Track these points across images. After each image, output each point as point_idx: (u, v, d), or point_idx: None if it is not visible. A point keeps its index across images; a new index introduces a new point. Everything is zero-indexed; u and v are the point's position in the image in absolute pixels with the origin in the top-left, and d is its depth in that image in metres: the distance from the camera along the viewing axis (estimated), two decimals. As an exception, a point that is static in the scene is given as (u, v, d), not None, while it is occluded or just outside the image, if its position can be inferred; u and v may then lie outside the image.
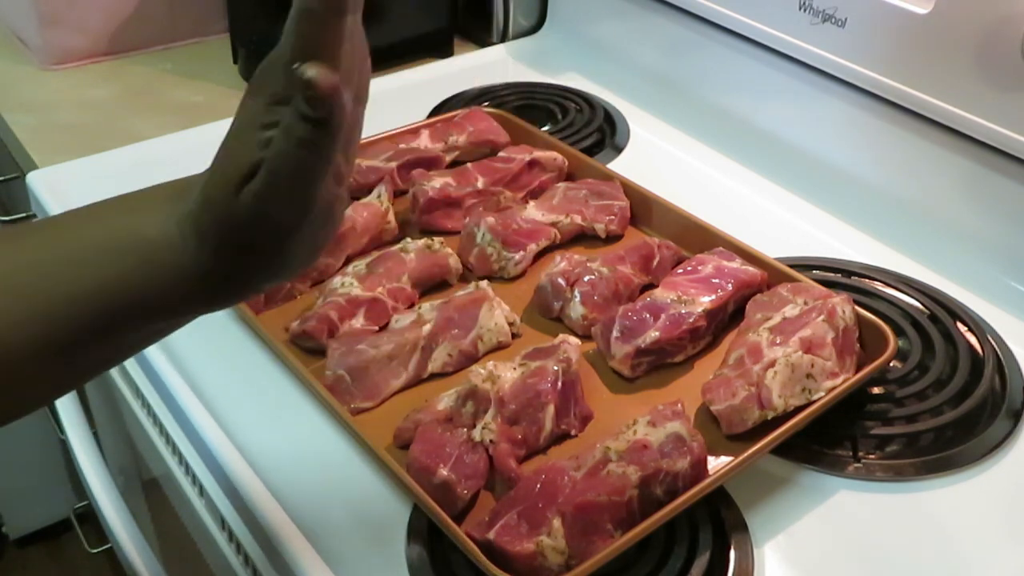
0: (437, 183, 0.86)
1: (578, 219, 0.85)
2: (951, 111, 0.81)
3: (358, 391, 0.69)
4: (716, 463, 0.64)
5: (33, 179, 0.94)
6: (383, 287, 0.75)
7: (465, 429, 0.64)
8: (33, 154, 1.02)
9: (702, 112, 1.04)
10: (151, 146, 1.01)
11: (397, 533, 0.60)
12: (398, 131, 0.94)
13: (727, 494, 0.63)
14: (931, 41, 0.81)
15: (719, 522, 0.61)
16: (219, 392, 0.71)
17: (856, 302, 0.73)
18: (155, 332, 0.51)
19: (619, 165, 0.98)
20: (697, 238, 0.82)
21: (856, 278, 0.82)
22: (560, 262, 0.78)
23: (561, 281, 0.76)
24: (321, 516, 0.62)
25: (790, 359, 0.65)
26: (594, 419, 0.68)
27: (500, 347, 0.74)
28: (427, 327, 0.72)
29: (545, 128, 1.02)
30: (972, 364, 0.73)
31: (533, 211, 0.85)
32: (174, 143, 1.01)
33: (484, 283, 0.76)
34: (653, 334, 0.70)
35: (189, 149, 0.99)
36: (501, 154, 0.93)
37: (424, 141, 0.94)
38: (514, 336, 0.75)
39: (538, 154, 0.91)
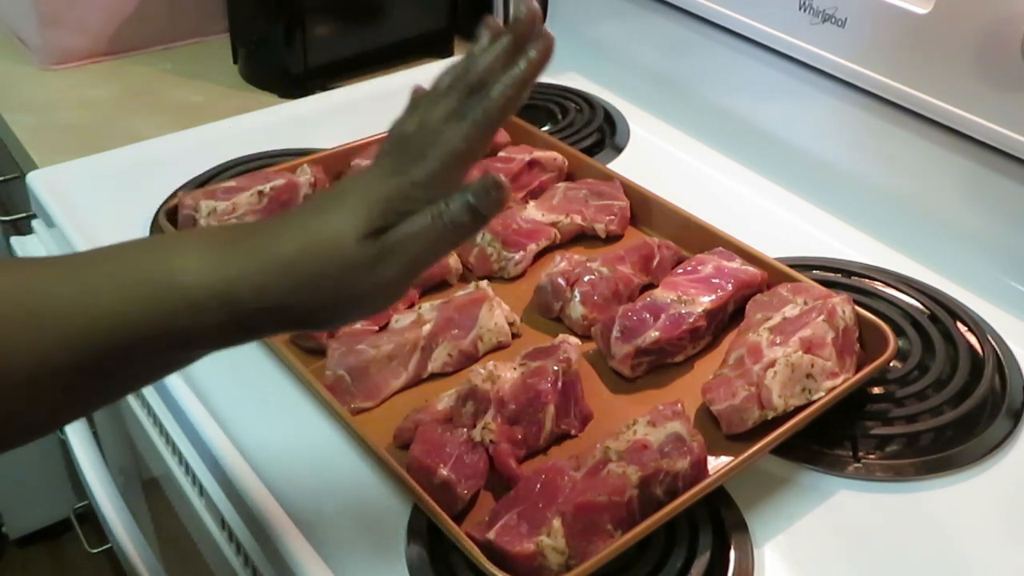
0: (437, 183, 0.86)
1: (578, 219, 0.85)
2: (951, 111, 0.81)
3: (358, 391, 0.69)
4: (716, 463, 0.64)
5: (33, 179, 0.94)
6: (383, 287, 0.75)
7: (465, 429, 0.64)
8: (33, 154, 1.02)
9: (702, 112, 1.04)
10: (151, 146, 1.01)
11: (397, 533, 0.60)
12: (398, 131, 0.94)
13: (727, 494, 0.63)
14: (931, 41, 0.81)
15: (719, 522, 0.61)
16: (219, 392, 0.71)
17: (856, 302, 0.73)
18: (166, 366, 0.51)
19: (619, 165, 0.98)
20: (697, 238, 0.82)
21: (856, 278, 0.82)
22: (560, 262, 0.78)
23: (561, 281, 0.76)
24: (321, 516, 0.62)
25: (790, 359, 0.65)
26: (594, 419, 0.68)
27: (500, 347, 0.74)
28: (427, 327, 0.72)
29: (545, 128, 1.02)
30: (972, 364, 0.73)
31: (533, 211, 0.85)
32: (174, 143, 1.01)
33: (484, 283, 0.76)
34: (653, 334, 0.70)
35: (189, 149, 0.99)
36: (501, 154, 0.93)
37: (424, 141, 0.94)
38: (514, 336, 0.75)
39: (538, 154, 0.91)
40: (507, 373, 0.66)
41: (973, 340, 0.76)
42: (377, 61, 1.19)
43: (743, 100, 1.02)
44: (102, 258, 0.47)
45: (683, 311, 0.72)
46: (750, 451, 0.61)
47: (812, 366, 0.66)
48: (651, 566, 0.58)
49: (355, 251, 0.47)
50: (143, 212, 0.88)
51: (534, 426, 0.65)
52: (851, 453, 0.67)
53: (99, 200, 0.91)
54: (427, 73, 1.24)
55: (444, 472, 0.60)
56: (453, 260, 0.80)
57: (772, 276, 0.77)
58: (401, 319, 0.74)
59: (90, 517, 1.44)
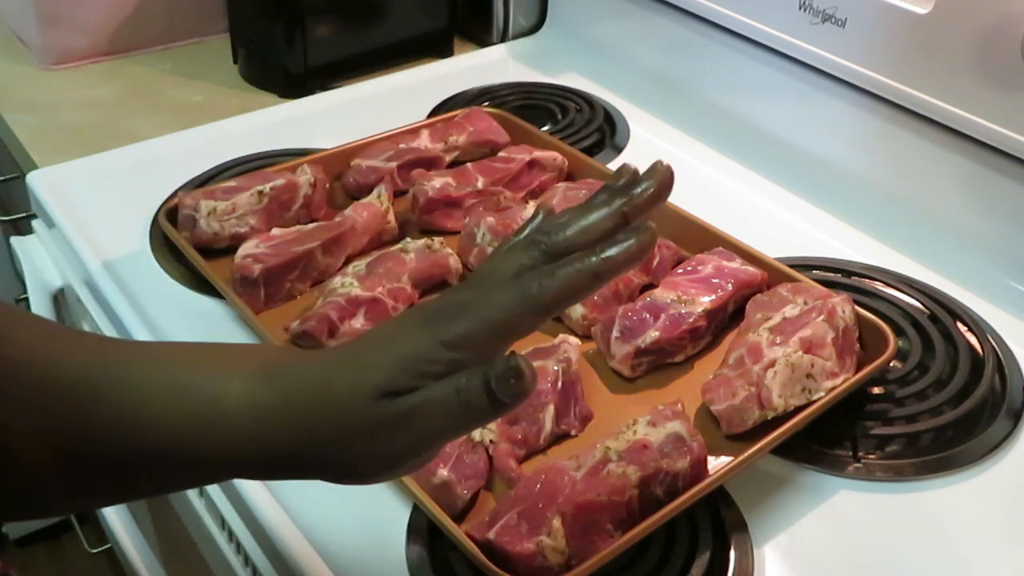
0: (437, 183, 0.86)
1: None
2: (951, 111, 0.81)
3: (358, 391, 0.69)
4: (716, 463, 0.64)
5: (33, 179, 0.94)
6: (383, 287, 0.75)
7: (465, 429, 0.64)
8: (33, 154, 1.01)
9: (702, 112, 1.04)
10: (151, 146, 1.01)
11: (397, 533, 0.60)
12: (398, 131, 0.95)
13: (727, 494, 0.63)
14: (931, 41, 0.81)
15: (719, 522, 0.61)
16: (219, 392, 0.70)
17: (856, 302, 0.73)
18: (185, 483, 0.50)
19: (619, 165, 0.98)
20: (697, 238, 0.82)
21: (856, 278, 0.82)
22: (560, 262, 0.78)
23: (561, 281, 0.76)
24: (321, 516, 0.62)
25: (790, 359, 0.65)
26: (594, 419, 0.68)
27: (500, 347, 0.74)
28: (427, 327, 0.71)
29: (545, 128, 1.02)
30: (972, 364, 0.73)
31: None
32: (174, 143, 1.01)
33: (484, 283, 0.76)
34: (653, 334, 0.70)
35: (189, 149, 0.99)
36: (501, 154, 0.93)
37: (424, 141, 0.94)
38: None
39: (538, 154, 0.91)
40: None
41: (973, 340, 0.76)
42: (377, 61, 1.19)
43: (743, 100, 1.02)
44: (163, 356, 0.46)
45: (683, 311, 0.72)
46: (750, 451, 0.61)
47: (812, 366, 0.66)
48: (651, 566, 0.58)
49: (366, 410, 0.42)
50: (143, 212, 0.89)
51: (534, 426, 0.65)
52: (851, 453, 0.67)
53: (99, 200, 0.91)
54: (427, 73, 1.24)
55: (444, 472, 0.60)
56: (453, 260, 0.80)
57: (772, 276, 0.77)
58: (401, 319, 0.74)
59: (90, 517, 1.44)
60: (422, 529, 0.60)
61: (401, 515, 0.61)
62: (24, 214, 1.06)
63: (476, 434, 0.63)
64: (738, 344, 0.70)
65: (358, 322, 0.74)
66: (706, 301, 0.73)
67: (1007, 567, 0.61)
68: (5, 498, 0.45)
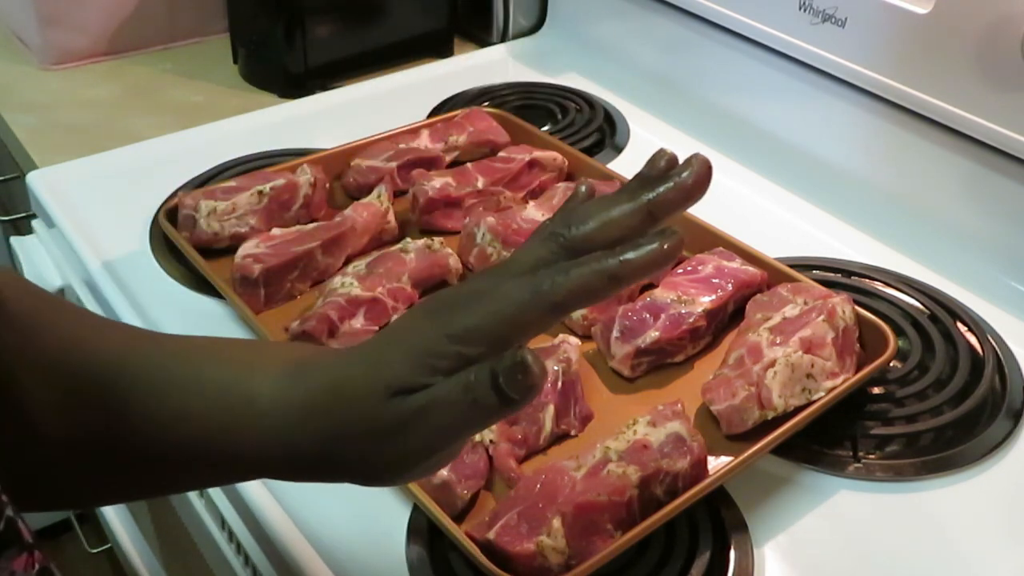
0: (437, 183, 0.86)
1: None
2: (951, 111, 0.81)
3: (358, 391, 0.69)
4: (716, 463, 0.64)
5: (33, 179, 0.94)
6: (383, 287, 0.75)
7: (465, 429, 0.64)
8: (33, 154, 1.02)
9: (702, 112, 1.04)
10: (151, 146, 1.01)
11: (397, 533, 0.60)
12: (398, 131, 0.95)
13: (727, 494, 0.63)
14: (931, 41, 0.81)
15: (719, 522, 0.61)
16: (219, 392, 0.71)
17: (856, 302, 0.73)
18: (209, 480, 0.50)
19: (619, 165, 0.98)
20: (697, 238, 0.81)
21: (856, 278, 0.82)
22: (560, 262, 0.78)
23: (561, 281, 0.76)
24: (321, 516, 0.62)
25: (790, 359, 0.65)
26: (594, 419, 0.68)
27: (500, 347, 0.74)
28: (427, 327, 0.71)
29: (545, 128, 1.02)
30: (972, 364, 0.73)
31: (533, 211, 0.85)
32: (174, 143, 1.01)
33: (484, 283, 0.76)
34: (653, 334, 0.70)
35: (189, 149, 0.99)
36: (501, 154, 0.93)
37: (424, 141, 0.94)
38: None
39: (538, 154, 0.91)
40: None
41: (973, 340, 0.76)
42: (377, 61, 1.19)
43: (743, 100, 1.02)
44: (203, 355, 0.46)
45: (683, 311, 0.72)
46: (750, 451, 0.61)
47: (812, 366, 0.66)
48: (651, 566, 0.58)
49: (379, 409, 0.40)
50: (143, 212, 0.89)
51: (534, 426, 0.65)
52: (851, 453, 0.67)
53: (99, 200, 0.91)
54: (427, 73, 1.24)
55: (444, 472, 0.60)
56: (453, 260, 0.80)
57: (772, 276, 0.77)
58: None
59: (90, 517, 1.44)
60: (422, 529, 0.60)
61: (401, 515, 0.61)
62: (24, 214, 1.06)
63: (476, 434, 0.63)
64: (738, 344, 0.70)
65: (358, 322, 0.74)
66: (706, 301, 0.73)
67: (1007, 567, 0.61)
68: (35, 487, 0.45)
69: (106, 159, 0.98)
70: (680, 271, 0.77)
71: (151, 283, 0.81)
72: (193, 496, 0.70)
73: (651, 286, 0.78)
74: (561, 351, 0.68)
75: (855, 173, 0.92)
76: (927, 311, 0.78)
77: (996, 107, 0.78)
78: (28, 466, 0.44)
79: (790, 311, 0.71)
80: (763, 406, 0.64)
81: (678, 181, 0.41)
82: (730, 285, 0.75)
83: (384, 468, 0.43)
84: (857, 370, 0.68)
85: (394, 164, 0.90)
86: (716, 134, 1.02)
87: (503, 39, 1.25)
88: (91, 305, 0.84)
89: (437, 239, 0.80)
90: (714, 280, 0.75)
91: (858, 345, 0.71)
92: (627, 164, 0.99)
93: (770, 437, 0.62)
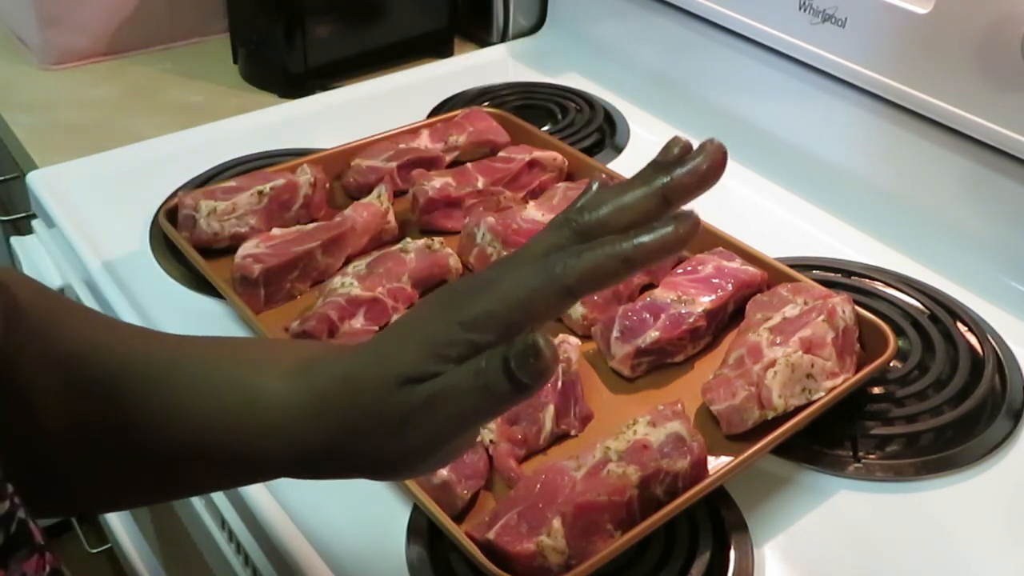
0: (437, 183, 0.86)
1: (578, 219, 0.85)
2: (951, 111, 0.81)
3: (358, 391, 0.68)
4: (716, 463, 0.64)
5: (33, 179, 0.94)
6: (383, 287, 0.75)
7: (465, 429, 0.64)
8: (33, 154, 1.01)
9: (702, 112, 1.04)
10: (151, 146, 1.01)
11: (397, 533, 0.60)
12: (398, 131, 0.95)
13: (727, 494, 0.63)
14: (931, 41, 0.81)
15: (719, 522, 0.61)
16: (219, 392, 0.71)
17: (856, 302, 0.73)
18: (225, 482, 0.50)
19: (619, 165, 0.98)
20: (697, 238, 0.81)
21: (856, 278, 0.82)
22: (560, 262, 0.78)
23: (561, 281, 0.76)
24: (321, 516, 0.62)
25: (790, 359, 0.65)
26: (594, 419, 0.68)
27: (500, 347, 0.74)
28: (427, 327, 0.71)
29: (545, 128, 1.02)
30: (972, 364, 0.73)
31: (533, 211, 0.85)
32: (174, 143, 1.01)
33: (484, 283, 0.76)
34: (653, 334, 0.70)
35: (189, 149, 0.99)
36: (501, 154, 0.93)
37: (424, 141, 0.94)
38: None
39: (538, 154, 0.91)
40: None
41: (973, 340, 0.76)
42: (377, 61, 1.19)
43: (743, 100, 1.02)
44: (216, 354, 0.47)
45: (683, 311, 0.72)
46: (750, 451, 0.61)
47: (812, 366, 0.66)
48: (651, 566, 0.58)
49: (391, 400, 0.40)
50: (143, 212, 0.89)
51: (534, 426, 0.65)
52: (851, 453, 0.67)
53: (99, 200, 0.91)
54: (427, 73, 1.24)
55: (444, 472, 0.60)
56: (453, 260, 0.80)
57: (772, 276, 0.77)
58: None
59: (90, 517, 1.44)
60: (422, 529, 0.60)
61: (401, 515, 0.61)
62: (24, 214, 1.06)
63: (476, 434, 0.63)
64: (738, 344, 0.70)
65: (358, 322, 0.74)
66: (706, 301, 0.73)
67: (1007, 567, 0.61)
68: (41, 487, 0.45)
69: (106, 159, 0.98)
70: (680, 271, 0.77)
71: (151, 283, 0.81)
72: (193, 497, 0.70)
73: (651, 286, 0.78)
74: (561, 351, 0.68)
75: (855, 173, 0.92)
76: (927, 311, 0.78)
77: (996, 107, 0.78)
78: (35, 464, 0.44)
79: (790, 311, 0.71)
80: (763, 406, 0.64)
81: (693, 164, 0.41)
82: (730, 285, 0.75)
83: (397, 459, 0.42)
84: (857, 370, 0.68)
85: (394, 164, 0.90)
86: (716, 134, 1.00)
87: (503, 39, 1.25)
88: (91, 305, 0.84)
89: (437, 239, 0.81)
90: (714, 280, 0.75)
91: (858, 345, 0.71)
92: (627, 164, 0.99)
93: (770, 437, 0.62)
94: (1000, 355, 0.75)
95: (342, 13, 1.15)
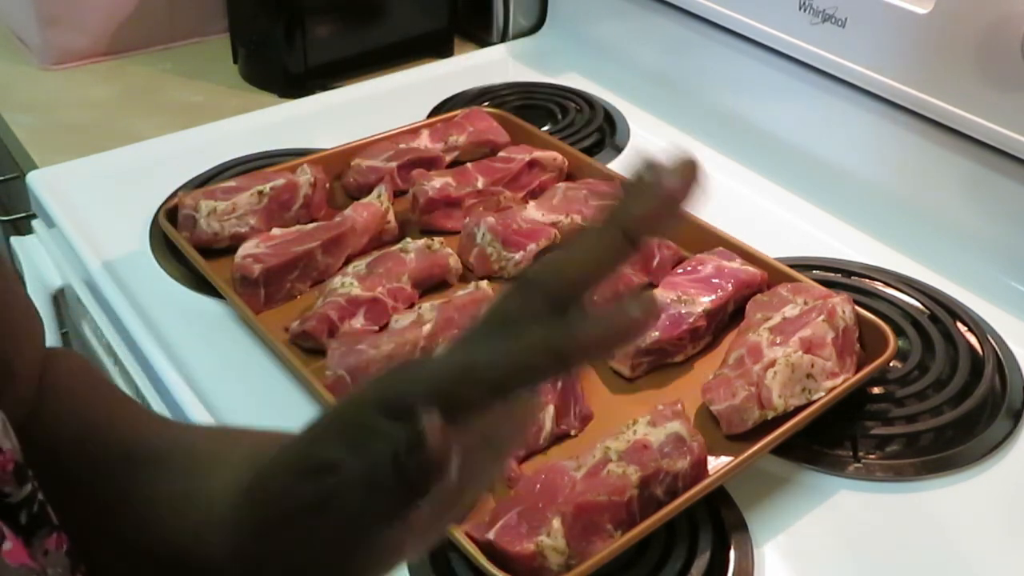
0: (437, 183, 0.86)
1: (578, 219, 0.85)
2: (951, 111, 0.81)
3: (358, 391, 0.68)
4: (716, 463, 0.64)
5: (33, 179, 0.94)
6: (383, 287, 0.75)
7: (465, 429, 0.63)
8: (33, 154, 1.01)
9: (702, 112, 1.04)
10: (151, 146, 1.01)
11: (397, 533, 0.60)
12: (398, 131, 0.95)
13: (727, 494, 0.63)
14: (931, 41, 0.81)
15: (719, 522, 0.61)
16: (219, 392, 0.71)
17: (856, 302, 0.73)
18: None
19: (619, 165, 0.98)
20: (697, 238, 0.81)
21: (856, 278, 0.82)
22: (560, 262, 0.78)
23: (561, 281, 0.76)
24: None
25: (790, 359, 0.65)
26: (594, 419, 0.68)
27: (500, 347, 0.74)
28: (427, 327, 0.72)
29: (545, 128, 1.02)
30: (972, 364, 0.73)
31: (533, 211, 0.85)
32: (174, 143, 1.01)
33: (484, 283, 0.76)
34: (653, 334, 0.70)
35: (189, 149, 0.99)
36: (501, 154, 0.92)
37: (424, 141, 0.94)
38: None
39: (538, 154, 0.91)
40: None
41: (973, 340, 0.76)
42: (377, 61, 1.19)
43: (743, 100, 1.02)
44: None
45: (683, 311, 0.72)
46: (750, 451, 0.61)
47: (812, 366, 0.66)
48: (651, 566, 0.58)
49: (288, 488, 0.36)
50: (143, 212, 0.88)
51: (534, 426, 0.65)
52: (851, 453, 0.67)
53: (99, 200, 0.91)
54: (427, 73, 1.24)
55: (444, 472, 0.59)
56: (453, 260, 0.80)
57: (772, 276, 0.77)
58: (401, 319, 0.74)
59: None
60: (422, 529, 0.60)
61: (401, 515, 0.61)
62: (24, 214, 1.05)
63: (476, 434, 0.63)
64: (738, 344, 0.70)
65: (358, 322, 0.74)
66: (706, 301, 0.73)
67: (1007, 567, 0.61)
68: None
69: (106, 159, 0.98)
70: (680, 271, 0.77)
71: (151, 283, 0.81)
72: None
73: (651, 286, 0.78)
74: (561, 351, 0.68)
75: (855, 173, 0.92)
76: (927, 311, 0.78)
77: (996, 107, 0.78)
78: None
79: (790, 311, 0.71)
80: (763, 406, 0.64)
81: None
82: (730, 285, 0.75)
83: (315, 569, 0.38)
84: (857, 370, 0.68)
85: (394, 164, 0.90)
86: (716, 134, 1.02)
87: (503, 39, 1.25)
88: (91, 305, 0.84)
89: (437, 239, 0.80)
90: (714, 280, 0.75)
91: (858, 345, 0.71)
92: (627, 164, 0.99)
93: (770, 437, 0.62)
94: (1000, 355, 0.75)
95: (342, 13, 1.15)
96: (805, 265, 0.83)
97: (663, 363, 0.72)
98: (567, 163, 0.92)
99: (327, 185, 0.89)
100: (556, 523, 0.55)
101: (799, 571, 0.60)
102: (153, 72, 1.21)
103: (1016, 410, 0.71)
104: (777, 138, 0.98)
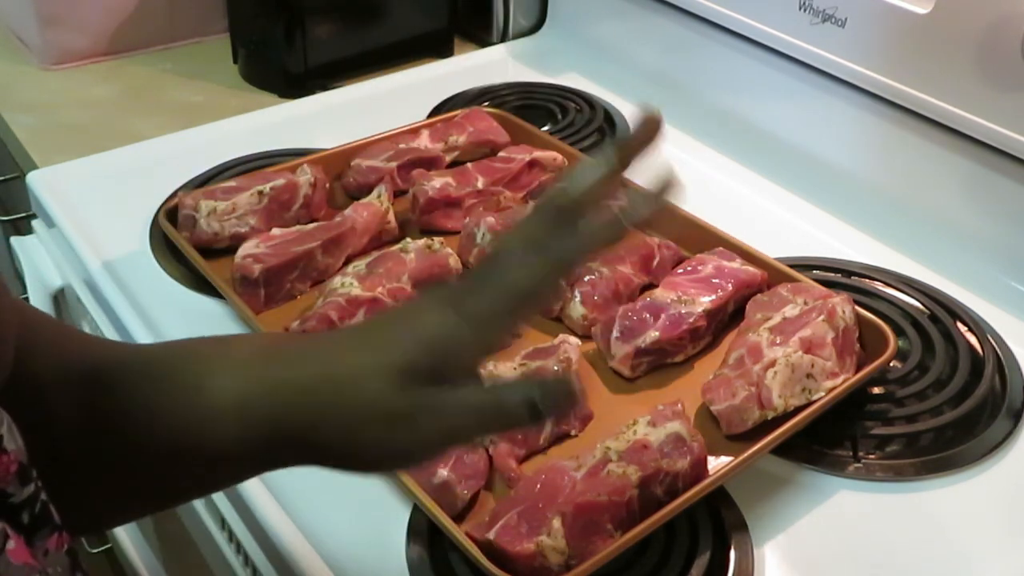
0: (437, 183, 0.86)
1: (578, 219, 0.85)
2: (951, 111, 0.81)
3: (358, 391, 0.68)
4: (716, 463, 0.64)
5: (33, 179, 0.94)
6: (383, 287, 0.75)
7: (465, 429, 0.64)
8: (33, 154, 1.01)
9: (702, 112, 1.04)
10: (151, 146, 1.01)
11: (397, 533, 0.60)
12: (398, 131, 0.94)
13: (727, 494, 0.63)
14: (931, 41, 0.81)
15: (719, 522, 0.61)
16: (219, 392, 0.71)
17: (856, 302, 0.73)
18: (191, 484, 0.49)
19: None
20: (697, 238, 0.81)
21: (856, 278, 0.82)
22: (560, 262, 0.78)
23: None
24: (321, 516, 0.62)
25: (790, 359, 0.65)
26: (594, 419, 0.68)
27: (500, 347, 0.74)
28: (427, 327, 0.71)
29: (545, 128, 1.02)
30: (972, 364, 0.73)
31: (533, 211, 0.85)
32: (174, 143, 1.01)
33: (484, 283, 0.76)
34: (653, 334, 0.70)
35: (189, 149, 0.99)
36: (501, 154, 0.93)
37: (424, 141, 0.94)
38: (514, 336, 0.75)
39: (538, 154, 0.91)
40: (507, 373, 0.66)
41: (973, 340, 0.76)
42: (377, 61, 1.19)
43: (743, 100, 1.02)
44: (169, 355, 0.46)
45: (683, 311, 0.72)
46: (750, 451, 0.61)
47: (812, 366, 0.66)
48: (651, 566, 0.58)
49: (383, 394, 0.39)
50: (143, 212, 0.89)
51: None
52: (851, 453, 0.67)
53: (99, 200, 0.91)
54: (427, 73, 1.24)
55: (444, 472, 0.60)
56: (453, 260, 0.80)
57: (772, 276, 0.77)
58: (401, 319, 0.74)
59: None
60: (422, 529, 0.60)
61: (401, 515, 0.61)
62: (24, 214, 1.06)
63: (476, 434, 0.63)
64: (738, 344, 0.70)
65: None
66: (706, 301, 0.73)
67: (1007, 566, 0.61)
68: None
69: (106, 159, 0.98)
70: (680, 271, 0.77)
71: (151, 283, 0.81)
72: (193, 496, 0.70)
73: (651, 286, 0.78)
74: (561, 351, 0.68)
75: (855, 173, 0.92)
76: (927, 311, 0.78)
77: (996, 107, 0.78)
78: (49, 477, 0.44)
79: (790, 311, 0.71)
80: (763, 406, 0.64)
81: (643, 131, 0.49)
82: (730, 285, 0.75)
83: (373, 456, 0.42)
84: (857, 370, 0.68)
85: (394, 164, 0.90)
86: (716, 134, 1.02)
87: (503, 39, 1.25)
88: (91, 305, 0.84)
89: (437, 239, 0.80)
90: (714, 280, 0.75)
91: (858, 345, 0.71)
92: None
93: (770, 437, 0.62)
94: (1000, 355, 0.75)
95: (342, 13, 1.15)
96: (805, 265, 0.83)
97: (663, 363, 0.72)
98: (567, 163, 0.92)
99: (327, 185, 0.89)
100: (556, 523, 0.55)
101: (799, 571, 0.60)
102: (153, 72, 1.21)
103: (1016, 410, 0.71)
104: (777, 138, 0.98)
